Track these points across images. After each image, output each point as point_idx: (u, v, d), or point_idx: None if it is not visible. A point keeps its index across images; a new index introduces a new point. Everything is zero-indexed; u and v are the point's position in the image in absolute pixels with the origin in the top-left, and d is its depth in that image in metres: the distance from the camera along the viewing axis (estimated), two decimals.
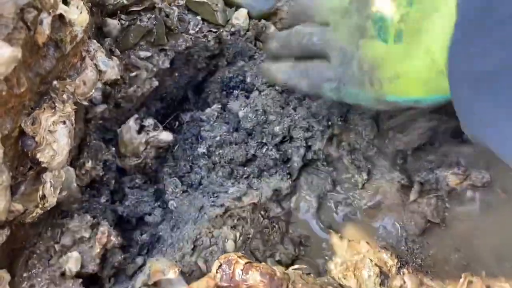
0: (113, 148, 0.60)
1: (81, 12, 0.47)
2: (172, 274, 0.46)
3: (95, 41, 0.54)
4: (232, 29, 0.68)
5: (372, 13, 0.45)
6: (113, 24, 0.62)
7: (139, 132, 0.62)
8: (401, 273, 0.55)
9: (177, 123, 0.75)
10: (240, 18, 0.68)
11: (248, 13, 0.69)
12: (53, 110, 0.44)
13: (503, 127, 0.35)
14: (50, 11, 0.43)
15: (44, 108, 0.44)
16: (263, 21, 0.71)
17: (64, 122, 0.45)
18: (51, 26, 0.43)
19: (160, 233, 0.59)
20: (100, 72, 0.53)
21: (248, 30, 0.69)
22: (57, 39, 0.45)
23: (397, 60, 0.44)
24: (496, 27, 0.34)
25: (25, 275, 0.49)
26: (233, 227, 0.55)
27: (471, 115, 0.39)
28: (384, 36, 0.44)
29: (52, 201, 0.47)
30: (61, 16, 0.45)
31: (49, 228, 0.52)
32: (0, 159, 0.39)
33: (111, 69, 0.54)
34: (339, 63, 0.48)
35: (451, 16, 0.38)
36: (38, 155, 0.44)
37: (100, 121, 0.60)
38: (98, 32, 0.62)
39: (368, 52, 0.45)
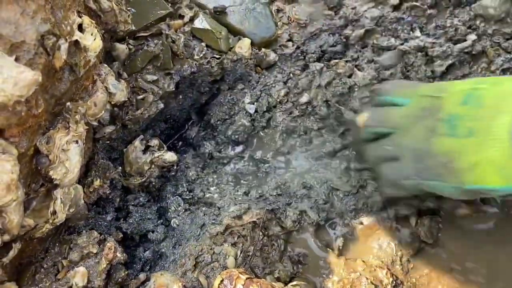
0: (120, 167, 0.62)
1: (95, 39, 0.50)
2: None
3: (106, 65, 0.57)
4: (235, 57, 0.71)
5: (444, 116, 0.51)
6: (122, 48, 0.66)
7: (144, 152, 0.65)
8: None
9: (180, 143, 0.77)
10: (243, 47, 0.72)
11: (250, 39, 0.73)
12: (67, 130, 0.47)
13: None
14: (67, 37, 0.47)
15: (59, 128, 0.47)
16: (263, 50, 0.74)
17: (76, 142, 0.48)
18: (68, 51, 0.46)
19: (163, 250, 0.61)
20: (110, 94, 0.56)
21: (250, 59, 0.73)
22: (72, 63, 0.48)
23: (472, 152, 0.47)
24: None
25: None
26: (234, 244, 0.57)
27: None
28: (457, 133, 0.49)
29: (61, 217, 0.49)
30: (76, 42, 0.48)
31: (57, 244, 0.54)
32: (16, 175, 0.41)
33: (120, 91, 0.57)
34: (414, 161, 0.53)
35: None
36: (51, 173, 0.46)
37: (108, 141, 0.63)
38: (107, 56, 0.65)
39: (442, 148, 0.50)
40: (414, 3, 0.79)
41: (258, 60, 0.74)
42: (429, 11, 0.78)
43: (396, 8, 0.79)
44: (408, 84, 0.63)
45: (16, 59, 0.39)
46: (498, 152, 0.45)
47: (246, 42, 0.72)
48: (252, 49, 0.73)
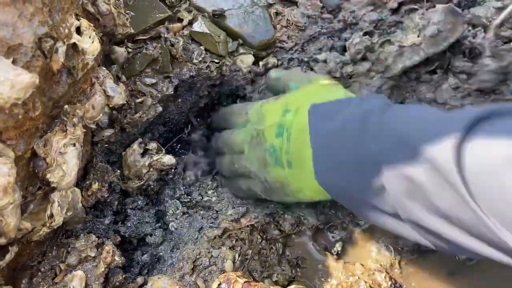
0: (118, 171, 0.62)
1: (93, 42, 0.50)
2: None
3: (104, 68, 0.57)
4: (234, 67, 0.72)
5: (268, 147, 0.58)
6: (120, 51, 0.65)
7: (142, 155, 0.64)
8: None
9: (178, 146, 0.77)
10: (244, 63, 0.72)
11: (249, 43, 0.73)
12: (64, 133, 0.47)
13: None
14: (65, 40, 0.46)
15: (56, 131, 0.46)
16: (261, 65, 0.75)
17: (74, 145, 0.48)
18: (65, 54, 0.46)
19: (161, 253, 0.61)
20: (108, 97, 0.56)
21: (249, 72, 0.74)
22: (70, 66, 0.48)
23: (296, 180, 0.56)
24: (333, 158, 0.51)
25: None
26: (232, 248, 0.57)
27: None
28: (280, 164, 0.57)
29: (59, 220, 0.49)
30: (74, 45, 0.48)
31: (54, 247, 0.54)
32: (13, 178, 0.41)
33: (119, 94, 0.57)
34: (261, 184, 0.61)
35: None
36: (48, 176, 0.46)
37: (106, 144, 0.62)
38: (105, 59, 0.65)
39: (275, 176, 0.58)
40: (413, 6, 0.79)
41: (255, 74, 0.74)
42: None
43: (395, 11, 0.79)
44: (240, 109, 0.70)
45: (13, 62, 0.39)
46: (313, 181, 0.53)
47: (249, 58, 0.72)
48: (252, 66, 0.74)
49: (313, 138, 0.53)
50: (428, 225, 0.43)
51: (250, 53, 0.73)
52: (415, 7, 0.78)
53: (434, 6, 0.78)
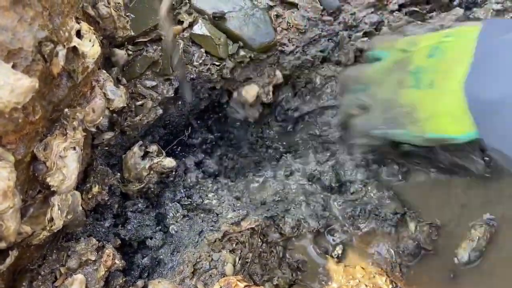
0: (118, 173, 0.62)
1: (93, 45, 0.50)
2: None
3: (104, 71, 0.57)
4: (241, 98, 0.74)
5: (412, 68, 0.55)
6: (121, 54, 0.65)
7: (143, 158, 0.64)
8: None
9: (179, 148, 0.77)
10: (249, 94, 0.74)
11: (250, 45, 0.73)
12: (64, 137, 0.47)
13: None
14: (65, 43, 0.46)
15: (56, 135, 0.46)
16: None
17: (74, 148, 0.48)
18: (66, 57, 0.46)
19: (161, 256, 0.60)
20: (108, 100, 0.56)
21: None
22: (70, 69, 0.48)
23: (431, 102, 0.52)
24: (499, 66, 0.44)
25: None
26: (232, 251, 0.57)
27: (490, 132, 0.46)
28: (421, 85, 0.53)
29: (59, 224, 0.49)
30: (74, 49, 0.48)
31: (54, 251, 0.54)
32: (13, 182, 0.41)
33: (119, 97, 0.57)
34: (382, 112, 0.57)
35: (468, 64, 0.48)
36: (48, 179, 0.46)
37: (106, 147, 0.62)
38: (106, 61, 0.65)
39: (407, 99, 0.54)
40: (413, 8, 0.79)
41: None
42: (428, 15, 0.78)
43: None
44: (389, 38, 0.66)
45: (13, 66, 0.39)
46: (452, 103, 0.49)
47: (253, 90, 0.73)
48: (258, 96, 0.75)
49: (480, 46, 0.47)
50: None
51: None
52: (416, 9, 0.78)
53: (434, 10, 0.78)
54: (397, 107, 0.55)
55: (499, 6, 0.74)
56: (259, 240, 0.60)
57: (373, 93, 0.59)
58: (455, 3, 0.78)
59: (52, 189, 0.47)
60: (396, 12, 0.78)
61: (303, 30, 0.76)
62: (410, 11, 0.78)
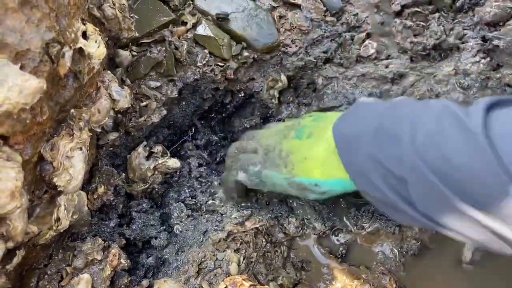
0: (123, 174, 0.62)
1: (99, 46, 0.50)
2: None
3: (109, 72, 0.58)
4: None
5: (297, 127, 0.62)
6: (125, 55, 0.66)
7: (147, 158, 0.65)
8: None
9: (185, 147, 0.78)
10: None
11: (253, 46, 0.73)
12: (71, 137, 0.47)
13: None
14: (71, 44, 0.47)
15: (63, 135, 0.47)
16: None
17: (80, 148, 0.48)
18: (72, 58, 0.46)
19: (166, 256, 0.61)
20: (113, 101, 0.56)
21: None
22: (76, 70, 0.49)
23: (306, 149, 0.57)
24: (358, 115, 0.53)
25: None
26: (237, 251, 0.57)
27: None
28: (301, 136, 0.59)
29: (65, 223, 0.49)
30: (80, 50, 0.49)
31: (60, 251, 0.54)
32: (20, 183, 0.41)
33: (124, 98, 0.57)
34: (264, 153, 0.62)
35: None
36: (55, 180, 0.47)
37: (111, 148, 0.63)
38: (110, 62, 0.65)
39: (286, 146, 0.60)
40: (416, 9, 0.79)
41: None
42: (430, 16, 0.78)
43: (398, 14, 0.79)
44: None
45: (21, 67, 0.39)
46: (323, 150, 0.54)
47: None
48: None
49: (350, 108, 0.56)
50: None
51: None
52: (418, 10, 0.79)
53: (437, 10, 0.79)
54: (276, 151, 0.60)
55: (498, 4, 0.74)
56: (264, 240, 0.60)
57: (258, 141, 0.65)
58: (457, 4, 0.78)
59: (58, 189, 0.47)
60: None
61: (306, 31, 0.76)
62: (413, 12, 0.79)
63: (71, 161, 0.47)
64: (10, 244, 0.43)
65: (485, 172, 0.39)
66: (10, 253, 0.44)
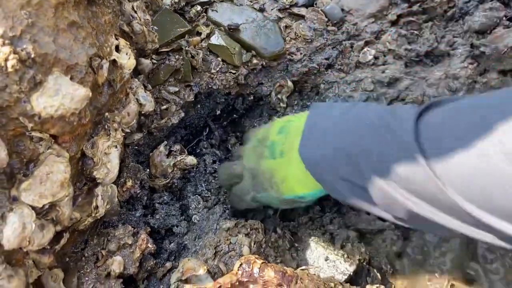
0: (148, 170, 0.70)
1: (129, 58, 0.58)
2: (202, 271, 0.55)
3: (136, 79, 0.65)
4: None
5: (268, 143, 0.66)
6: (146, 63, 0.73)
7: (167, 156, 0.72)
8: None
9: (200, 146, 0.85)
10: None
11: (262, 54, 0.80)
12: (108, 137, 0.55)
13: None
14: (107, 57, 0.54)
15: (101, 135, 0.54)
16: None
17: (116, 146, 0.56)
18: (107, 69, 0.54)
19: (186, 242, 0.68)
20: (140, 105, 0.64)
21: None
22: (111, 79, 0.56)
23: (283, 169, 0.62)
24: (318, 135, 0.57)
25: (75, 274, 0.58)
26: (247, 235, 0.64)
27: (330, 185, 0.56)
28: (274, 155, 0.64)
29: (102, 211, 0.57)
30: (114, 61, 0.56)
31: (95, 236, 0.62)
32: (68, 175, 0.49)
33: (150, 103, 0.65)
34: (251, 179, 0.67)
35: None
36: (94, 173, 0.54)
37: (136, 147, 0.70)
38: (133, 70, 0.72)
39: (265, 167, 0.64)
40: (410, 18, 0.86)
41: None
42: (424, 25, 0.85)
43: (394, 23, 0.86)
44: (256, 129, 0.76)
45: (71, 78, 0.47)
46: (297, 169, 0.59)
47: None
48: None
49: (307, 121, 0.60)
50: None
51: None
52: (413, 19, 0.86)
53: (430, 19, 0.85)
54: (260, 174, 0.65)
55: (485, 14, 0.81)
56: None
57: (241, 163, 0.69)
58: (449, 14, 0.85)
59: (97, 181, 0.55)
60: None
61: (310, 40, 0.83)
62: (408, 21, 0.86)
63: (108, 157, 0.55)
64: (58, 228, 0.51)
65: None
66: (57, 236, 0.52)
